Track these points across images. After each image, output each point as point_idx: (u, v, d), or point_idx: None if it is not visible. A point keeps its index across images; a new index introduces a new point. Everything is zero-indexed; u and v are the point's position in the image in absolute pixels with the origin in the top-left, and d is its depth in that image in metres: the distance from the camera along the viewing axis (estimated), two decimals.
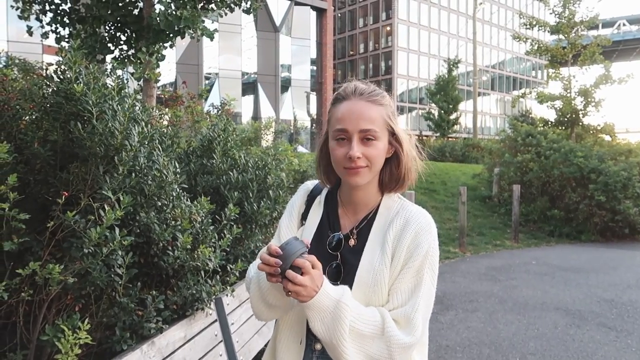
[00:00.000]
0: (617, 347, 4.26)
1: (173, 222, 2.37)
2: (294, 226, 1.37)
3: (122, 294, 2.00)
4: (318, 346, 1.26)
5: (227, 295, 2.51)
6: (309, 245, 1.15)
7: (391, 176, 1.28)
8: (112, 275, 1.95)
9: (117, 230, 1.95)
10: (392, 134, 1.27)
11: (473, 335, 4.57)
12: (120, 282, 1.97)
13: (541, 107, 15.49)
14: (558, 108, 14.86)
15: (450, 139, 30.42)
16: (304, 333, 1.28)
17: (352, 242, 1.28)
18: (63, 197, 1.93)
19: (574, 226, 10.57)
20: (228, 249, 2.73)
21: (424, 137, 31.62)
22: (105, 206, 1.96)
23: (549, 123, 15.26)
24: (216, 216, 2.76)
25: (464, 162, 21.66)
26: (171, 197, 2.44)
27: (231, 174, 3.20)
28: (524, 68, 64.64)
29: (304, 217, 1.38)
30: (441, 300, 5.68)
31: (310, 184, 1.44)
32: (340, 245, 1.29)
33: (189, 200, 2.55)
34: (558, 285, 6.38)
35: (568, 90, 14.83)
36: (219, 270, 2.52)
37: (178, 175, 2.52)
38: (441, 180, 14.47)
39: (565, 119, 14.81)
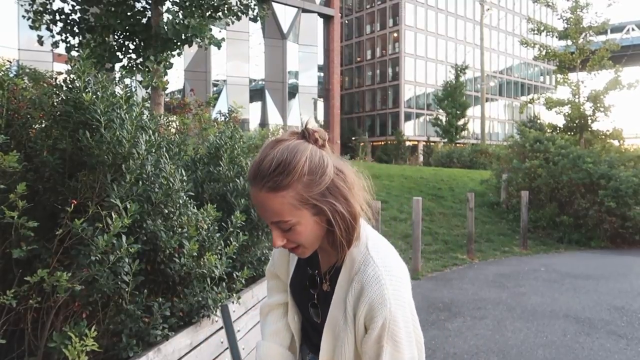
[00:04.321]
0: (628, 356, 4.21)
1: (180, 230, 2.39)
2: (285, 252, 1.36)
3: (129, 301, 2.01)
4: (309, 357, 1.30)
5: (233, 302, 2.51)
6: None
7: (335, 240, 1.12)
8: (119, 283, 1.96)
9: (124, 237, 1.97)
10: (316, 206, 1.08)
11: (481, 342, 4.53)
12: (127, 289, 1.99)
13: (549, 113, 15.40)
14: (566, 114, 14.76)
15: (458, 145, 30.34)
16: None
17: (325, 287, 1.23)
18: (72, 205, 1.95)
19: (583, 232, 10.48)
20: (234, 256, 2.74)
21: (432, 143, 31.53)
22: (113, 214, 1.98)
23: (558, 129, 15.16)
24: (222, 223, 2.77)
25: (471, 168, 21.59)
26: (178, 205, 2.46)
27: (238, 181, 3.22)
28: (532, 73, 64.44)
29: None
30: (449, 307, 5.66)
31: None
32: (316, 285, 1.26)
33: (195, 207, 2.57)
34: (567, 293, 6.33)
35: (577, 96, 14.74)
36: (225, 277, 2.53)
37: (185, 183, 2.54)
38: (449, 186, 14.43)
39: (574, 125, 14.72)
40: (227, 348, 2.38)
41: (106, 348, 1.95)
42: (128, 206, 2.05)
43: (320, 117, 36.75)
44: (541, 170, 11.37)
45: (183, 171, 2.59)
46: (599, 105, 14.20)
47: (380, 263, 1.12)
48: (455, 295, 6.22)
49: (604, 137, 14.82)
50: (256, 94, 33.22)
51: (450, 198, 13.22)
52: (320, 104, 36.84)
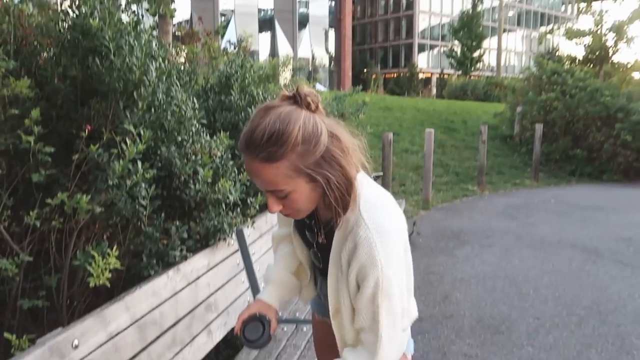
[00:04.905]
0: (632, 283, 4.32)
1: (193, 157, 2.41)
2: None
3: (147, 224, 2.08)
4: None
5: (247, 227, 2.59)
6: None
7: (330, 205, 1.10)
8: (137, 206, 2.02)
9: (139, 163, 2.00)
10: (314, 172, 1.06)
11: (488, 269, 4.66)
12: (144, 213, 2.05)
13: (568, 45, 14.85)
14: (587, 45, 14.21)
15: (472, 77, 29.58)
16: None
17: (320, 239, 1.26)
18: (87, 130, 1.97)
19: (596, 166, 10.43)
20: (248, 183, 2.79)
21: (445, 76, 30.76)
22: (127, 140, 2.00)
23: (576, 61, 14.67)
24: (235, 151, 2.80)
25: (485, 101, 21.15)
26: (191, 133, 2.47)
27: (250, 110, 3.21)
28: (553, 3, 61.33)
29: None
30: (458, 236, 5.77)
31: None
32: (314, 234, 1.28)
33: (208, 135, 2.58)
34: (576, 223, 6.40)
35: (599, 26, 14.12)
36: (240, 203, 2.59)
37: (197, 111, 2.53)
38: (462, 119, 14.24)
39: (594, 57, 14.23)
40: (243, 269, 2.48)
41: (128, 267, 2.04)
42: (142, 132, 2.07)
43: (331, 48, 35.78)
44: (557, 103, 11.13)
45: (195, 100, 2.58)
46: (621, 36, 13.61)
47: (371, 225, 1.11)
48: (464, 224, 6.32)
49: (624, 69, 14.33)
50: (265, 24, 32.22)
51: (463, 131, 13.09)
52: (332, 34, 35.72)
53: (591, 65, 14.65)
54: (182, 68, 3.30)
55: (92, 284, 1.67)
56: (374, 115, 12.37)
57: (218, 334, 2.12)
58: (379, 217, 1.13)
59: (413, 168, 9.60)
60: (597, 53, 14.17)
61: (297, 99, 1.07)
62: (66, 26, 2.34)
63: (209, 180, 2.38)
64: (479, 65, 32.23)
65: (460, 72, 30.95)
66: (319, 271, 1.40)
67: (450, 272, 4.56)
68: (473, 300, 3.93)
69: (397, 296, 1.13)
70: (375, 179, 1.47)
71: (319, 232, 1.26)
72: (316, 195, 1.11)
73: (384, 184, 6.71)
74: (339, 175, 1.07)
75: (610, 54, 14.28)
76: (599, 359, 3.04)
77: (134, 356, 1.62)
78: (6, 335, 1.52)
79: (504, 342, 3.26)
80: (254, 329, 1.32)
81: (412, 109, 14.52)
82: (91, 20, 2.17)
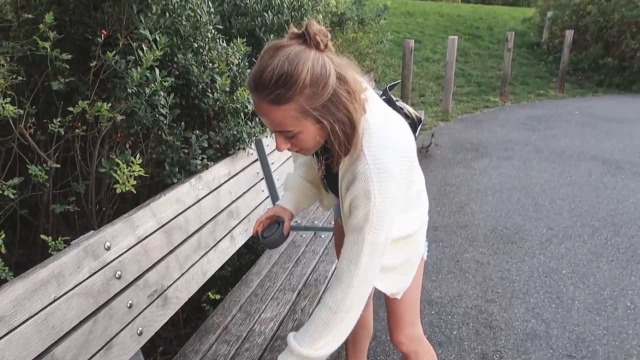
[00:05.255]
0: None
1: (210, 65, 2.37)
2: None
3: (168, 133, 2.09)
4: None
5: (266, 136, 2.59)
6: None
7: (338, 145, 1.12)
8: (157, 115, 2.03)
9: (157, 70, 1.97)
10: (321, 114, 1.07)
11: (505, 180, 4.68)
12: (164, 122, 2.05)
13: None
14: None
15: None
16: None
17: (320, 170, 1.33)
18: (102, 35, 1.93)
19: (626, 76, 9.99)
20: None
21: None
22: (144, 46, 1.95)
23: None
24: (253, 59, 2.73)
25: (514, 5, 19.92)
26: (207, 39, 2.40)
27: (266, 15, 3.08)
28: None
29: None
30: (476, 148, 5.73)
31: None
32: (320, 162, 1.33)
33: (224, 42, 2.51)
34: (599, 136, 6.27)
35: None
36: None
37: (212, 16, 2.44)
38: (487, 25, 13.52)
39: None
40: (263, 178, 2.53)
41: (151, 175, 2.09)
42: (158, 38, 2.01)
43: None
44: (591, 7, 10.43)
45: (209, 3, 2.48)
46: None
47: (371, 161, 1.12)
48: (483, 136, 6.25)
49: None
50: None
51: (488, 38, 12.49)
52: None
53: None
54: None
55: (118, 191, 1.72)
56: (395, 21, 11.81)
57: (240, 239, 2.22)
58: (381, 154, 1.14)
59: (434, 78, 9.32)
60: None
61: (306, 38, 1.05)
62: None
63: (227, 88, 2.35)
64: None
65: None
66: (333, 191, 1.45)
67: (467, 184, 4.59)
68: (488, 211, 3.99)
69: (385, 229, 1.15)
70: (391, 87, 1.44)
71: (320, 163, 1.31)
72: (322, 136, 1.13)
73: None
74: (344, 118, 1.08)
75: None
76: (609, 267, 3.13)
77: (162, 258, 1.71)
78: (43, 236, 1.61)
79: (516, 250, 3.35)
80: (270, 228, 1.46)
81: (435, 14, 13.78)
82: None
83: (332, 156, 1.21)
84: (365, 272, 1.18)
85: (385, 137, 1.16)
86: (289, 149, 1.17)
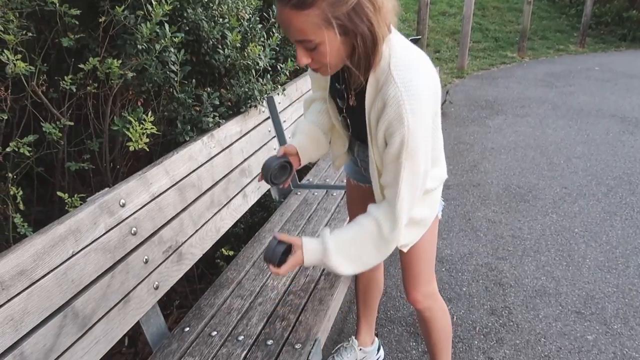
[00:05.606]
0: None
1: (221, 20, 2.32)
2: None
3: (179, 90, 2.08)
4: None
5: (278, 94, 2.57)
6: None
7: (358, 62, 1.12)
8: (168, 72, 2.01)
9: (167, 26, 1.94)
10: (343, 25, 1.04)
11: (520, 139, 4.61)
12: (175, 79, 2.04)
13: None
14: None
15: None
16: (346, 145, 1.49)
17: (351, 102, 1.28)
18: None
19: None
20: (277, 49, 2.70)
21: None
22: (152, 0, 1.92)
23: None
24: (264, 14, 2.67)
25: None
26: None
27: None
28: None
29: None
30: (492, 105, 5.63)
31: None
32: (344, 99, 1.30)
33: None
34: (619, 92, 6.11)
35: None
36: (270, 69, 2.54)
37: None
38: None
39: None
40: (275, 136, 2.52)
41: (164, 133, 2.10)
42: None
43: None
44: None
45: None
46: None
47: (400, 83, 1.11)
48: (499, 93, 6.13)
49: None
50: None
51: None
52: None
53: None
54: None
55: (131, 148, 1.73)
56: None
57: (253, 197, 2.24)
58: (409, 76, 1.13)
59: (450, 33, 9.06)
60: None
61: None
62: None
63: (238, 44, 2.31)
64: None
65: None
66: (356, 136, 1.42)
67: (481, 142, 4.54)
68: (501, 170, 3.96)
69: (422, 156, 1.15)
70: (414, 42, 1.41)
71: (349, 94, 1.28)
72: (344, 52, 1.10)
73: None
74: (366, 31, 1.06)
75: None
76: (623, 226, 3.11)
77: (176, 215, 1.74)
78: (59, 193, 1.63)
79: (529, 209, 3.34)
80: (280, 172, 1.43)
81: None
82: None
83: (356, 86, 1.21)
84: (406, 201, 1.20)
85: (412, 60, 1.16)
86: (309, 65, 1.15)
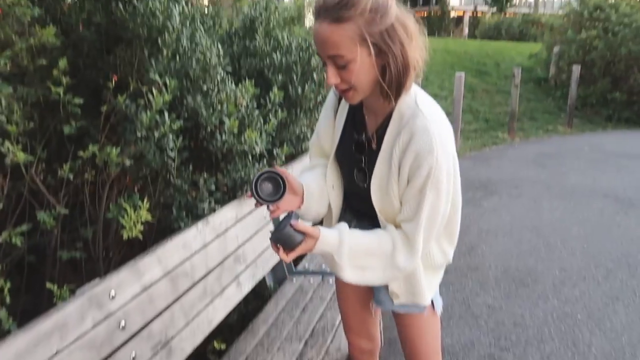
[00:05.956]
0: None
1: (219, 107, 2.39)
2: (330, 123, 1.39)
3: (176, 176, 2.10)
4: (353, 224, 1.35)
5: None
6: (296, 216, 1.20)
7: (389, 84, 1.13)
8: (166, 158, 2.03)
9: (166, 114, 1.99)
10: (377, 43, 1.08)
11: (515, 219, 4.62)
12: (173, 165, 2.06)
13: None
14: None
15: (507, 15, 28.10)
16: (338, 216, 1.45)
17: (373, 144, 1.26)
18: (113, 80, 1.96)
19: (635, 110, 9.98)
20: (274, 134, 2.76)
21: (479, 14, 29.25)
22: (154, 90, 1.98)
23: None
24: (261, 100, 2.76)
25: (521, 40, 20.18)
26: (216, 81, 2.43)
27: (275, 56, 3.12)
28: None
29: (336, 112, 1.38)
30: (485, 186, 5.69)
31: None
32: (364, 148, 1.28)
33: (233, 83, 2.54)
34: (610, 172, 6.21)
35: None
36: (266, 154, 2.58)
37: (221, 58, 2.48)
38: (494, 61, 13.67)
39: None
40: (270, 221, 2.50)
41: (159, 219, 2.08)
42: (167, 82, 2.04)
43: None
44: (598, 42, 10.52)
45: (219, 45, 2.52)
46: None
47: (428, 115, 1.15)
48: (492, 174, 6.22)
49: None
50: None
51: (495, 74, 12.61)
52: None
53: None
54: (206, 11, 3.21)
55: (125, 236, 1.71)
56: None
57: (247, 286, 2.18)
58: (437, 112, 1.18)
59: None
60: None
61: None
62: None
63: (235, 130, 2.36)
64: (515, 1, 30.49)
65: (494, 9, 29.37)
66: (361, 187, 1.34)
67: (477, 223, 4.54)
68: (499, 252, 3.92)
69: (444, 193, 1.16)
70: None
71: (372, 139, 1.26)
72: (373, 75, 1.12)
73: None
74: (399, 55, 1.09)
75: None
76: (626, 312, 3.03)
77: (167, 307, 1.68)
78: (48, 285, 1.59)
79: (529, 294, 3.27)
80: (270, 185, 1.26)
81: (442, 51, 13.97)
82: None
83: (377, 128, 1.22)
84: (426, 236, 1.19)
85: (435, 104, 1.21)
86: (337, 87, 1.15)
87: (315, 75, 3.24)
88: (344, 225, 1.25)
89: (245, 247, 2.21)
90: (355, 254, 1.22)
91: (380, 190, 1.24)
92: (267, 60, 3.14)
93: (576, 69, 9.17)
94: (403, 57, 1.10)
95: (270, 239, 1.20)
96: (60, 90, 1.82)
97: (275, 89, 2.76)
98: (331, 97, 1.41)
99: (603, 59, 10.48)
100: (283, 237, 1.16)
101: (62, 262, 1.87)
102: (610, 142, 8.20)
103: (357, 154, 1.30)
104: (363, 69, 1.10)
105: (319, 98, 3.31)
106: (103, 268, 1.96)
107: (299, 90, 3.09)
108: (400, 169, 1.17)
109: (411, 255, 1.21)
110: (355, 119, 1.31)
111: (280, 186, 1.22)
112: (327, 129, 1.40)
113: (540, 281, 3.44)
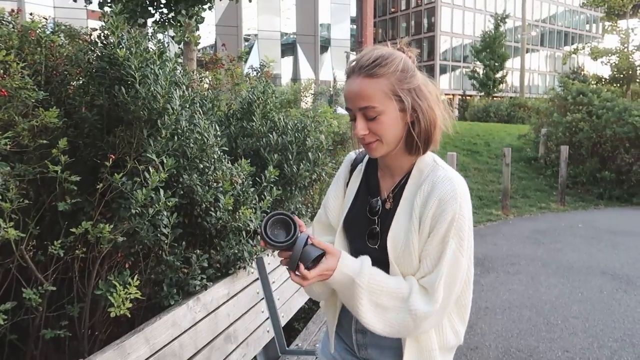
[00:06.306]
0: None
1: (215, 184, 2.43)
2: (340, 194, 1.43)
3: (168, 252, 2.09)
4: None
5: (267, 255, 2.57)
6: (311, 237, 1.17)
7: (412, 140, 1.22)
8: (159, 235, 2.03)
9: (162, 191, 2.02)
10: (403, 101, 1.19)
11: (514, 297, 4.53)
12: (166, 241, 2.05)
13: (595, 64, 14.68)
14: (613, 64, 14.00)
15: (495, 99, 29.36)
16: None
17: (388, 205, 1.30)
18: (110, 159, 2.00)
19: (625, 189, 10.14)
20: (268, 211, 2.78)
21: (468, 97, 30.57)
22: (150, 168, 2.02)
23: (603, 80, 14.44)
24: (256, 178, 2.81)
25: (509, 122, 20.91)
26: (212, 160, 2.49)
27: (271, 136, 3.23)
28: (577, 21, 60.84)
29: (348, 185, 1.42)
30: (482, 262, 5.64)
31: (354, 153, 1.47)
32: (379, 209, 1.31)
33: (229, 162, 2.60)
34: (605, 249, 6.20)
35: (625, 45, 13.92)
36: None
37: (219, 138, 2.56)
38: (484, 141, 14.08)
39: (621, 76, 13.99)
40: (263, 298, 2.46)
41: (148, 296, 2.04)
42: (164, 161, 2.09)
43: None
44: (583, 124, 10.92)
45: (217, 126, 2.61)
46: None
47: (448, 170, 1.23)
48: (488, 250, 6.19)
49: None
50: (288, 48, 32.75)
51: (486, 153, 12.94)
52: (353, 57, 36.03)
53: (618, 85, 14.39)
54: (206, 95, 3.35)
55: (112, 314, 1.67)
56: None
57: None
58: (453, 170, 1.26)
59: None
60: (624, 72, 13.92)
61: (401, 50, 1.25)
62: (95, 56, 2.41)
63: (230, 207, 2.38)
64: (502, 86, 32.02)
65: (482, 93, 30.76)
66: (372, 248, 1.33)
67: (475, 301, 4.45)
68: (499, 331, 3.81)
69: (466, 246, 1.19)
70: None
71: (387, 200, 1.30)
72: (400, 130, 1.21)
73: None
74: (427, 109, 1.21)
75: (638, 73, 14.01)
76: None
77: None
78: None
79: None
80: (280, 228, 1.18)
81: None
82: (118, 50, 2.22)
83: (393, 188, 1.27)
84: (447, 288, 1.17)
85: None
86: (364, 139, 1.21)
87: (310, 155, 3.33)
88: (365, 258, 1.24)
89: (237, 325, 2.15)
90: (374, 286, 1.19)
91: (397, 246, 1.24)
92: (264, 140, 3.24)
93: (564, 150, 9.44)
94: (430, 113, 1.21)
95: (288, 262, 1.14)
96: (58, 168, 1.86)
97: (270, 168, 2.82)
98: (343, 173, 1.45)
99: (589, 140, 10.82)
100: (304, 254, 1.12)
101: (45, 340, 1.81)
102: (604, 219, 8.26)
103: (370, 216, 1.32)
104: (392, 121, 1.19)
105: (314, 176, 3.38)
106: (87, 347, 1.89)
107: (294, 168, 3.17)
108: (421, 221, 1.20)
109: (430, 302, 1.18)
110: (369, 183, 1.36)
111: (291, 229, 1.16)
112: (336, 200, 1.43)
113: None
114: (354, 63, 1.22)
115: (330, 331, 1.44)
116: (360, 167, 1.40)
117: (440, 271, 1.17)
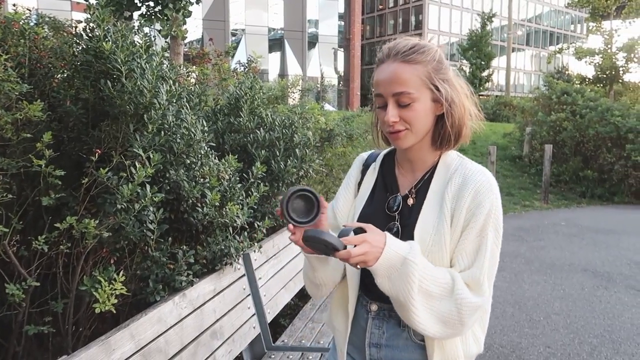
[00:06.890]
0: None
1: (202, 180, 2.42)
2: (350, 196, 1.38)
3: (154, 248, 2.07)
4: (374, 307, 1.26)
5: (254, 251, 2.57)
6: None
7: (443, 133, 1.19)
8: (145, 230, 2.02)
9: (148, 187, 2.00)
10: (438, 90, 1.16)
11: (497, 294, 4.58)
12: (152, 237, 2.04)
13: (578, 64, 14.88)
14: (597, 64, 14.21)
15: (481, 97, 29.58)
16: (356, 295, 1.29)
17: (410, 201, 1.24)
18: (96, 154, 1.98)
19: (607, 187, 10.33)
20: (255, 207, 2.78)
21: None
22: (137, 163, 2.00)
23: (587, 80, 14.65)
24: (243, 174, 2.80)
25: (494, 120, 21.10)
26: (199, 155, 2.48)
27: (258, 132, 3.22)
28: (562, 21, 61.55)
29: (360, 185, 1.37)
30: None
31: (365, 154, 1.42)
32: (399, 206, 1.25)
33: (216, 158, 2.59)
34: (587, 247, 6.31)
35: (609, 45, 14.13)
36: (247, 227, 2.58)
37: (206, 134, 2.55)
38: (470, 139, 14.16)
39: (604, 76, 14.20)
40: (249, 294, 2.46)
41: (134, 292, 2.03)
42: (151, 156, 2.07)
43: (341, 67, 36.05)
44: (567, 124, 11.08)
45: (204, 122, 2.59)
46: (632, 55, 13.61)
47: (476, 164, 1.21)
48: None
49: (635, 89, 14.30)
50: (275, 43, 32.60)
51: (471, 151, 13.05)
52: (341, 54, 36.05)
53: (601, 85, 14.61)
54: (193, 89, 3.33)
55: (97, 310, 1.66)
56: None
57: None
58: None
59: None
60: (607, 72, 14.14)
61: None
62: (80, 49, 2.37)
63: (217, 203, 2.37)
64: (488, 84, 32.29)
65: None
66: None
67: None
68: None
69: (499, 240, 1.16)
70: None
71: (409, 196, 1.24)
72: (431, 120, 1.19)
73: None
74: (460, 103, 1.19)
75: (621, 73, 14.25)
76: None
77: None
78: None
79: None
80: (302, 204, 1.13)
81: None
82: (104, 43, 2.19)
83: (414, 184, 1.23)
84: (485, 273, 1.13)
85: None
86: (394, 125, 1.16)
87: (297, 151, 3.33)
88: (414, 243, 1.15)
89: (223, 321, 2.15)
90: (424, 269, 1.10)
91: (426, 241, 1.17)
92: (251, 136, 3.23)
93: (548, 148, 9.57)
94: (461, 106, 1.20)
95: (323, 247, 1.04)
96: (42, 162, 1.83)
97: (257, 164, 2.81)
98: (354, 174, 1.40)
99: (573, 139, 10.99)
100: (341, 233, 1.04)
101: (28, 337, 1.79)
102: (586, 217, 8.39)
103: (389, 213, 1.26)
104: (424, 111, 1.17)
105: (301, 172, 3.38)
106: (72, 343, 1.87)
107: (282, 165, 3.16)
108: (454, 214, 1.15)
109: (478, 294, 1.13)
110: (385, 181, 1.31)
111: (314, 206, 1.11)
112: (346, 201, 1.38)
113: (525, 358, 3.36)
114: (386, 50, 1.19)
115: (341, 346, 1.32)
116: (374, 166, 1.35)
117: (482, 264, 1.13)
